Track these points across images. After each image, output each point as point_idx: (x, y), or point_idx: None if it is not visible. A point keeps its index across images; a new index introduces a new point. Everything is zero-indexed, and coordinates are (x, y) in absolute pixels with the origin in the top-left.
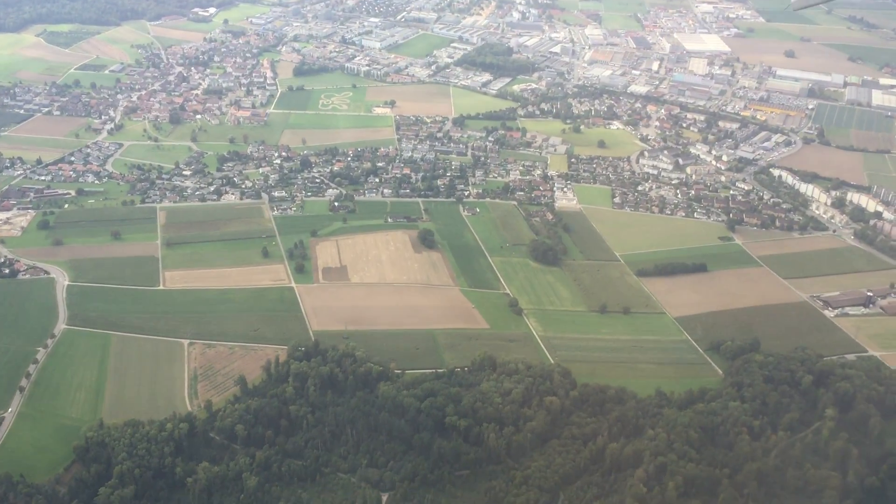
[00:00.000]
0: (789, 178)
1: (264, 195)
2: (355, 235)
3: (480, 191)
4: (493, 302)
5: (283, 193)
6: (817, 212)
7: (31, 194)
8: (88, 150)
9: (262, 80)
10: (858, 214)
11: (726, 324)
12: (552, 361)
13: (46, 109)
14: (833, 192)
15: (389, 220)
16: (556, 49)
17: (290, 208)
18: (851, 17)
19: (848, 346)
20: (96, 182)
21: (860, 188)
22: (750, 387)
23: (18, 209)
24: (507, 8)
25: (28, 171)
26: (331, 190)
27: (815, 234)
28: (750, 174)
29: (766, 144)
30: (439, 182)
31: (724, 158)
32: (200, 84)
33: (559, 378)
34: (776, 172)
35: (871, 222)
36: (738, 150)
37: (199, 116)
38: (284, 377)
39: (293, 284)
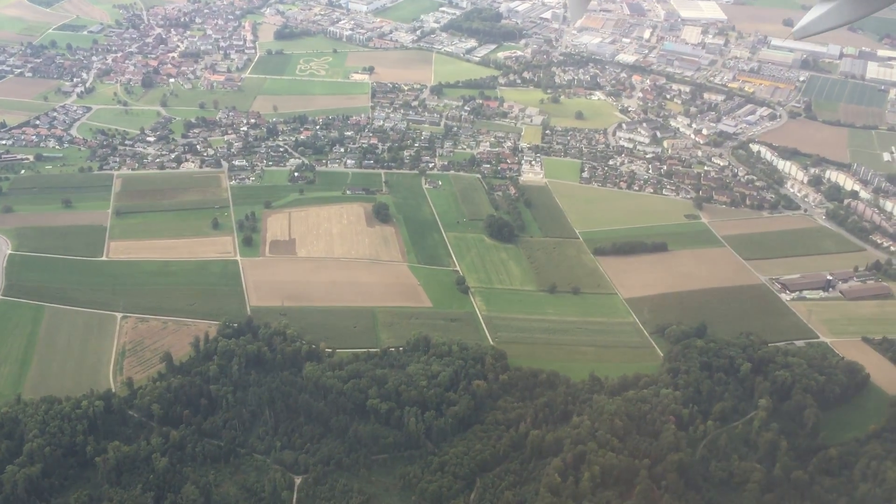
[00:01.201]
0: (767, 154)
1: (224, 164)
2: (309, 208)
3: (446, 163)
4: (441, 279)
5: (244, 162)
6: (792, 190)
7: None
8: (55, 114)
9: (241, 43)
10: (834, 193)
11: (676, 306)
12: (491, 342)
13: (19, 71)
14: (811, 170)
15: (348, 192)
16: (548, 15)
17: (249, 178)
18: None
19: (799, 331)
20: (57, 147)
21: (840, 166)
22: (685, 373)
23: None
24: None
25: None
26: (293, 160)
27: (785, 214)
28: (728, 149)
29: (749, 118)
30: (405, 153)
31: (704, 132)
32: (178, 46)
33: (491, 361)
34: (755, 148)
35: (846, 202)
36: (719, 124)
37: (172, 80)
38: (212, 354)
39: (238, 257)
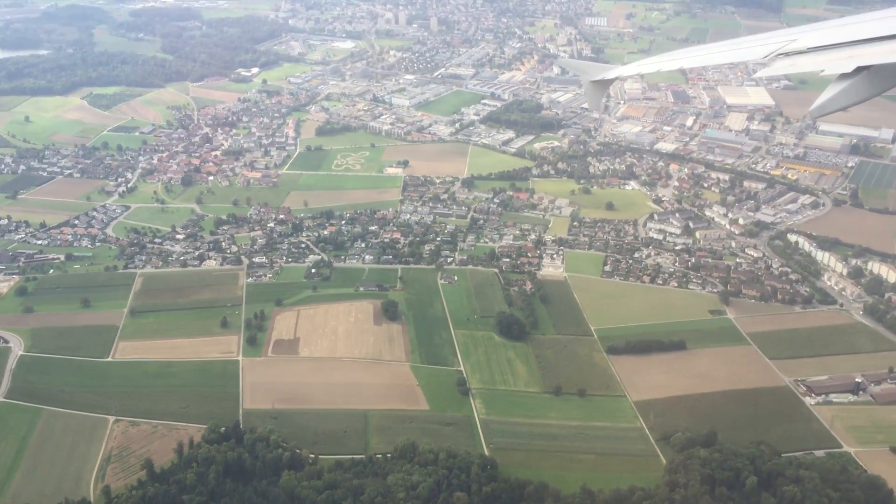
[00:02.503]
0: (805, 245)
1: (245, 261)
2: (319, 305)
3: (465, 257)
4: (441, 380)
5: (264, 259)
6: (829, 283)
7: (22, 259)
8: (94, 213)
9: (283, 140)
10: (875, 287)
11: (688, 410)
12: (484, 449)
13: (68, 172)
14: (852, 261)
15: (361, 288)
16: (588, 105)
17: (266, 275)
18: None
19: (820, 440)
20: (88, 246)
21: (885, 257)
22: (684, 487)
23: (5, 275)
24: (549, 63)
25: (28, 235)
26: (312, 256)
27: (819, 309)
28: (764, 240)
29: (789, 207)
30: (426, 248)
31: (741, 222)
32: (222, 145)
33: (477, 471)
34: (793, 238)
35: (887, 296)
36: (757, 213)
37: (211, 178)
38: (192, 461)
39: (240, 357)
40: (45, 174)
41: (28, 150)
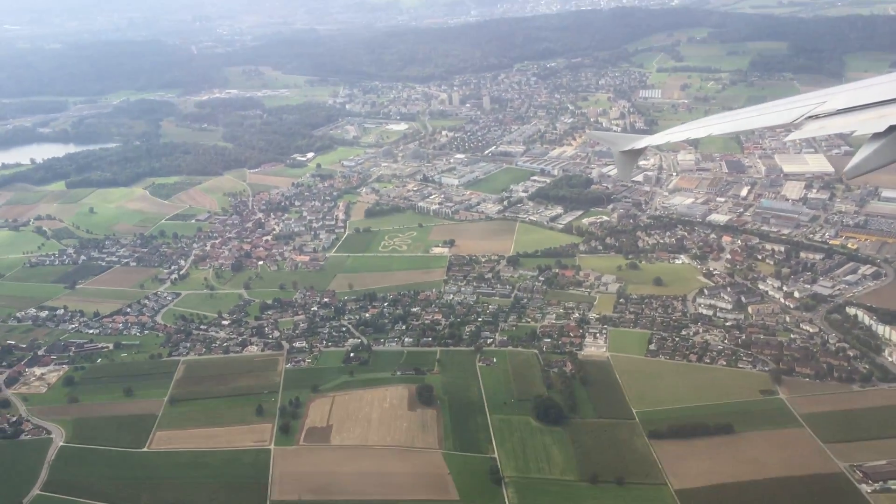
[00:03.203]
0: (865, 318)
1: (285, 346)
2: (355, 391)
3: (506, 338)
4: (474, 468)
5: (304, 344)
6: (890, 359)
7: (73, 348)
8: (146, 301)
9: (333, 223)
10: None
11: (734, 499)
12: None
13: (125, 261)
14: None
15: (398, 373)
16: (640, 178)
17: (305, 360)
18: None
19: None
20: (137, 334)
21: None
22: None
23: (56, 364)
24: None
25: (81, 325)
26: (351, 340)
27: (879, 387)
28: (821, 314)
29: (849, 278)
30: (465, 329)
31: (796, 295)
32: (274, 230)
33: None
34: (851, 311)
35: None
36: (814, 286)
37: (260, 263)
38: None
39: (272, 446)
40: (103, 264)
41: (90, 240)
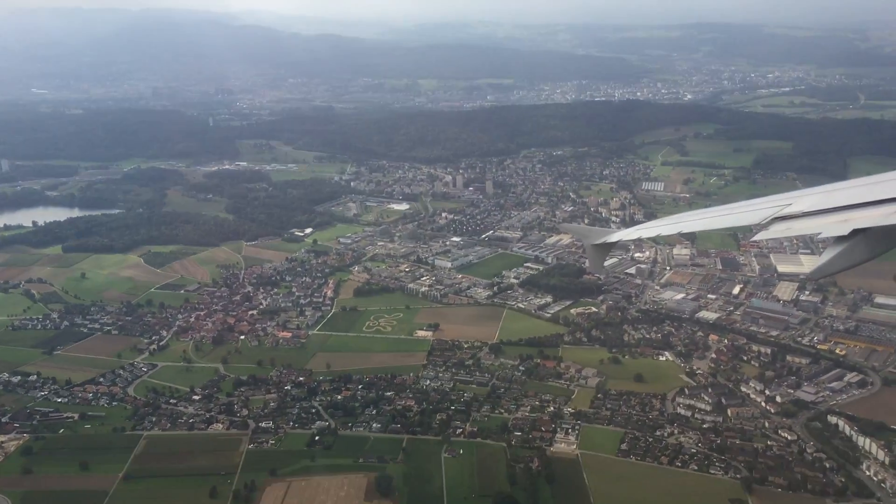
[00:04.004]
0: (847, 428)
1: (252, 425)
2: (313, 477)
3: (476, 429)
4: None
5: (270, 424)
6: (867, 473)
7: (38, 417)
8: (121, 372)
9: (321, 299)
10: None
11: None
12: None
13: (108, 329)
14: None
15: (361, 460)
16: (633, 270)
17: (269, 441)
18: None
19: None
20: (105, 405)
21: None
22: None
23: (17, 433)
24: (600, 227)
25: (51, 393)
26: (319, 422)
27: (852, 502)
28: (801, 421)
29: (833, 385)
30: (437, 417)
31: (778, 400)
32: (261, 304)
33: None
34: (833, 420)
35: None
36: (797, 391)
37: (242, 337)
38: None
39: None
40: (85, 330)
41: (76, 305)
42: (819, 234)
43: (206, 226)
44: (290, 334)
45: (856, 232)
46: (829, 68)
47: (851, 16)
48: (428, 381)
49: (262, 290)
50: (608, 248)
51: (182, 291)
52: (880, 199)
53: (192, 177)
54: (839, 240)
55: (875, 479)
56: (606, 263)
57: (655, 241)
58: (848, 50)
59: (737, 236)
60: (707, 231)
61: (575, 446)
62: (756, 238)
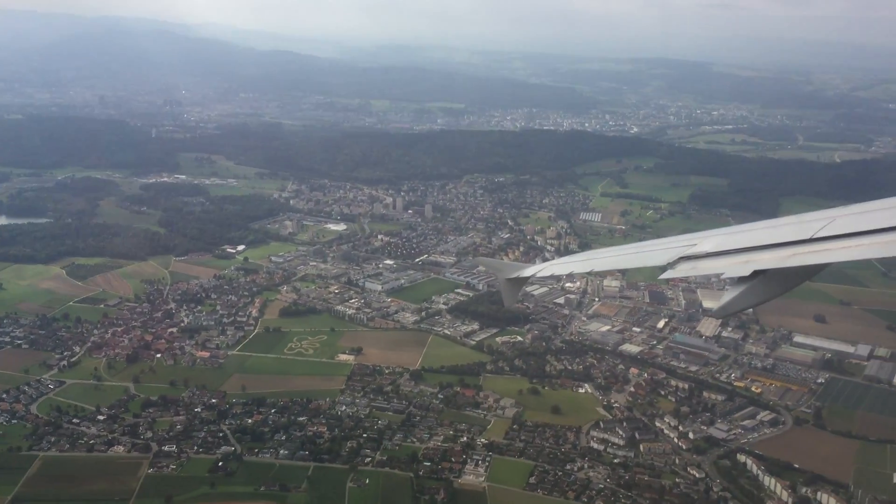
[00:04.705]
0: (754, 467)
1: (154, 449)
2: None
3: (386, 458)
4: None
5: (173, 448)
6: None
7: None
8: (26, 388)
9: (245, 319)
10: None
11: None
12: None
13: (18, 342)
14: (804, 489)
15: (262, 488)
16: (562, 300)
17: (170, 466)
18: None
19: None
20: (4, 423)
21: (837, 487)
22: None
23: None
24: (533, 254)
25: None
26: (225, 447)
27: None
28: (711, 458)
29: (746, 423)
30: (347, 444)
31: (691, 436)
32: (182, 322)
33: None
34: (742, 458)
35: None
36: (710, 428)
37: (158, 356)
38: None
39: None
40: None
41: None
42: (722, 273)
43: (136, 239)
44: (208, 354)
45: (756, 273)
46: (773, 108)
47: (798, 59)
48: (344, 407)
49: (185, 308)
50: (522, 282)
51: (102, 306)
52: (780, 241)
53: (127, 188)
54: (741, 280)
55: None
56: (537, 292)
57: (588, 272)
58: (792, 91)
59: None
60: (621, 269)
61: (483, 478)
62: (662, 277)
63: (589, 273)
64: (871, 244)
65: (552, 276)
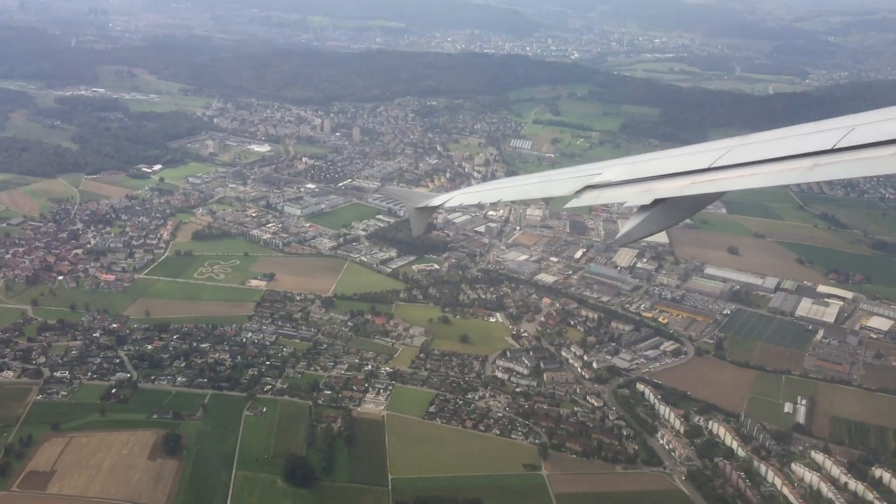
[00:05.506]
0: (651, 396)
1: (46, 373)
2: (97, 433)
3: (286, 386)
4: None
5: (66, 374)
6: (661, 441)
7: None
8: None
9: (155, 242)
10: (707, 449)
11: None
12: None
13: None
14: (696, 419)
15: (155, 416)
16: (482, 228)
17: (61, 393)
18: (824, 213)
19: None
20: None
21: (730, 416)
22: None
23: None
24: (459, 181)
25: None
26: (120, 374)
27: (641, 471)
28: (612, 387)
29: (649, 353)
30: (248, 372)
31: (594, 366)
32: (88, 243)
33: None
34: (641, 388)
35: (717, 461)
36: (614, 357)
37: (60, 278)
38: None
39: None
40: None
41: None
42: (625, 202)
43: (46, 155)
44: (113, 277)
45: (657, 201)
46: (714, 38)
47: None
48: (250, 334)
49: (92, 229)
50: (430, 211)
51: (4, 225)
52: (679, 171)
53: (41, 101)
54: (642, 208)
55: (667, 447)
56: (458, 220)
57: (514, 199)
58: (734, 21)
59: None
60: (527, 199)
61: (383, 407)
62: (568, 206)
63: (497, 202)
64: (763, 173)
65: (460, 206)
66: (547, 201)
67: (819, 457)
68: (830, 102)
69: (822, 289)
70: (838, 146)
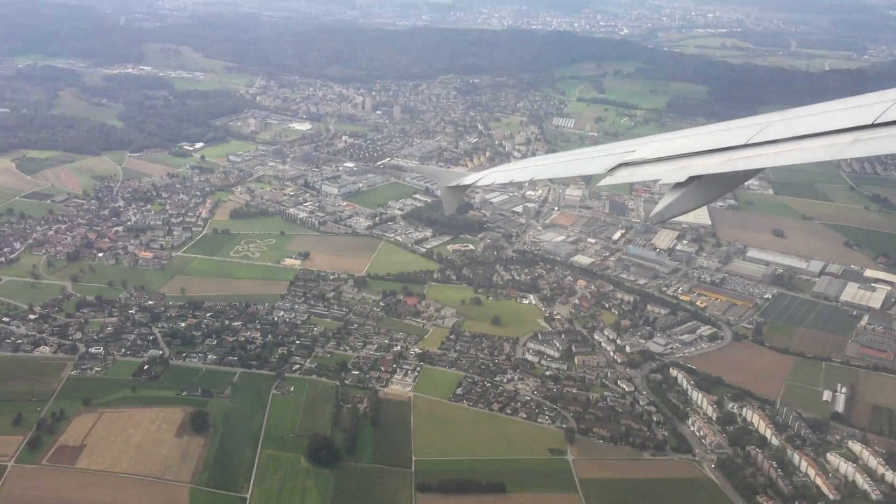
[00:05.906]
0: (684, 382)
1: (81, 350)
2: (127, 409)
3: (315, 365)
4: None
5: (100, 350)
6: (692, 428)
7: None
8: None
9: (193, 220)
10: (740, 437)
11: None
12: None
13: None
14: (730, 405)
15: (184, 393)
16: (520, 209)
17: (94, 368)
18: (876, 195)
19: None
20: None
21: (765, 403)
22: None
23: None
24: (498, 160)
25: None
26: (152, 350)
27: (670, 458)
28: (644, 372)
29: (684, 337)
30: (278, 351)
31: (627, 349)
32: (129, 220)
33: None
34: (675, 373)
35: (748, 449)
36: (648, 342)
37: (100, 255)
38: None
39: (10, 463)
40: None
41: None
42: (659, 179)
43: (91, 133)
44: (151, 255)
45: (692, 179)
46: (770, 12)
47: None
48: (281, 313)
49: (133, 206)
50: (462, 190)
51: (49, 202)
52: (715, 147)
53: (89, 79)
54: (677, 186)
55: (697, 434)
56: (496, 200)
57: (552, 179)
58: None
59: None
60: (561, 178)
61: (410, 388)
62: (601, 184)
63: (529, 181)
64: (801, 149)
65: (492, 184)
66: (586, 181)
67: (856, 447)
68: (889, 79)
69: (869, 273)
70: (879, 121)
